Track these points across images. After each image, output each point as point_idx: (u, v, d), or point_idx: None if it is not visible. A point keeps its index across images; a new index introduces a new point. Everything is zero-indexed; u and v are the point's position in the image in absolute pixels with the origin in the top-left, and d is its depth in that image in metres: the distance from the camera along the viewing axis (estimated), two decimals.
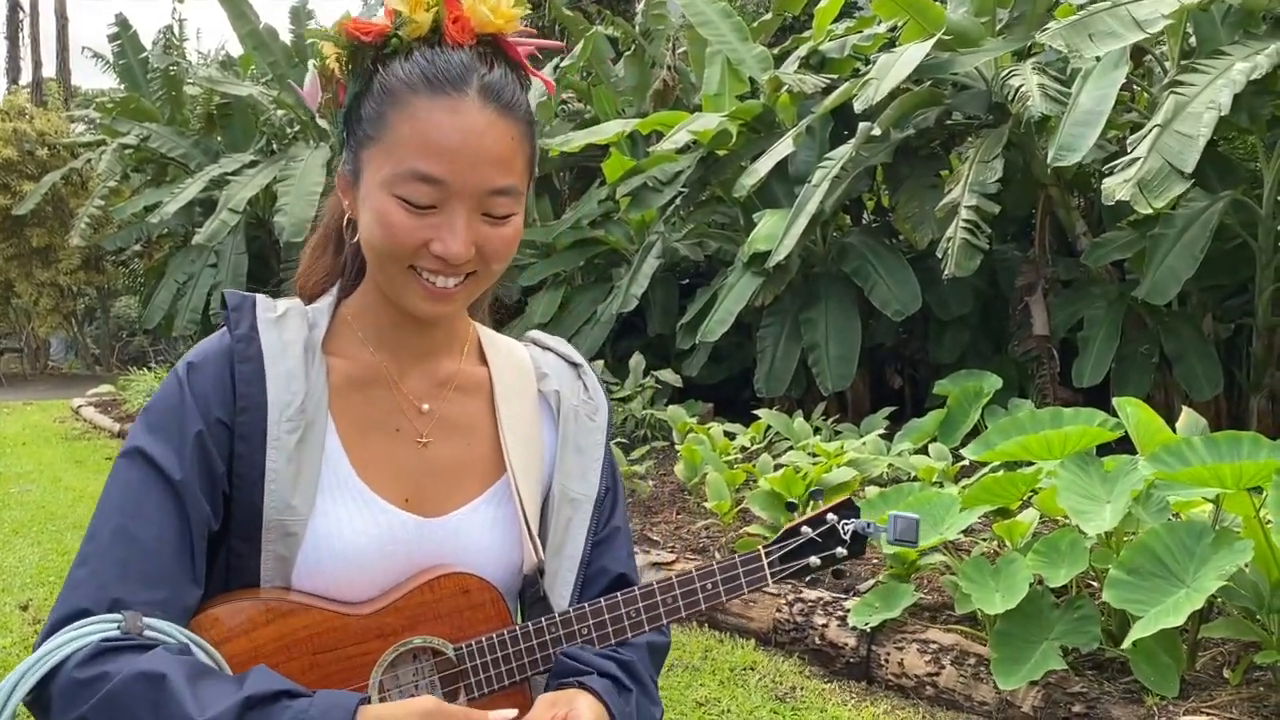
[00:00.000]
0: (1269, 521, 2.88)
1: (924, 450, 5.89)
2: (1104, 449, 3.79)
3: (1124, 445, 3.87)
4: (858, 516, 1.24)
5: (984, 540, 4.20)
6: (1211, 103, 5.09)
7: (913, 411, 8.38)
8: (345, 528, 1.12)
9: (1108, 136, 6.53)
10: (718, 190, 8.81)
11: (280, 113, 14.44)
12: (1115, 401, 3.53)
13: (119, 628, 0.99)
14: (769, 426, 6.41)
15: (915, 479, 5.23)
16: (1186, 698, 3.02)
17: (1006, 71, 6.35)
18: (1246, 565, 2.96)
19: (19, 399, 14.64)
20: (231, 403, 1.11)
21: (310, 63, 1.15)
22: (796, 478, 4.49)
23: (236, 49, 17.12)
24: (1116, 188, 5.08)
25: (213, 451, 1.09)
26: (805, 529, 1.23)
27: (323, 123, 1.25)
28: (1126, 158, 5.23)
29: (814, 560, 1.22)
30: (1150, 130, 5.21)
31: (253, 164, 13.73)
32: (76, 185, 16.63)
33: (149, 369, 12.62)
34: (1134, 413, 3.40)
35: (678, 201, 8.87)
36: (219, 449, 1.10)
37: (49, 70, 26.61)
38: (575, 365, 1.34)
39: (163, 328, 14.99)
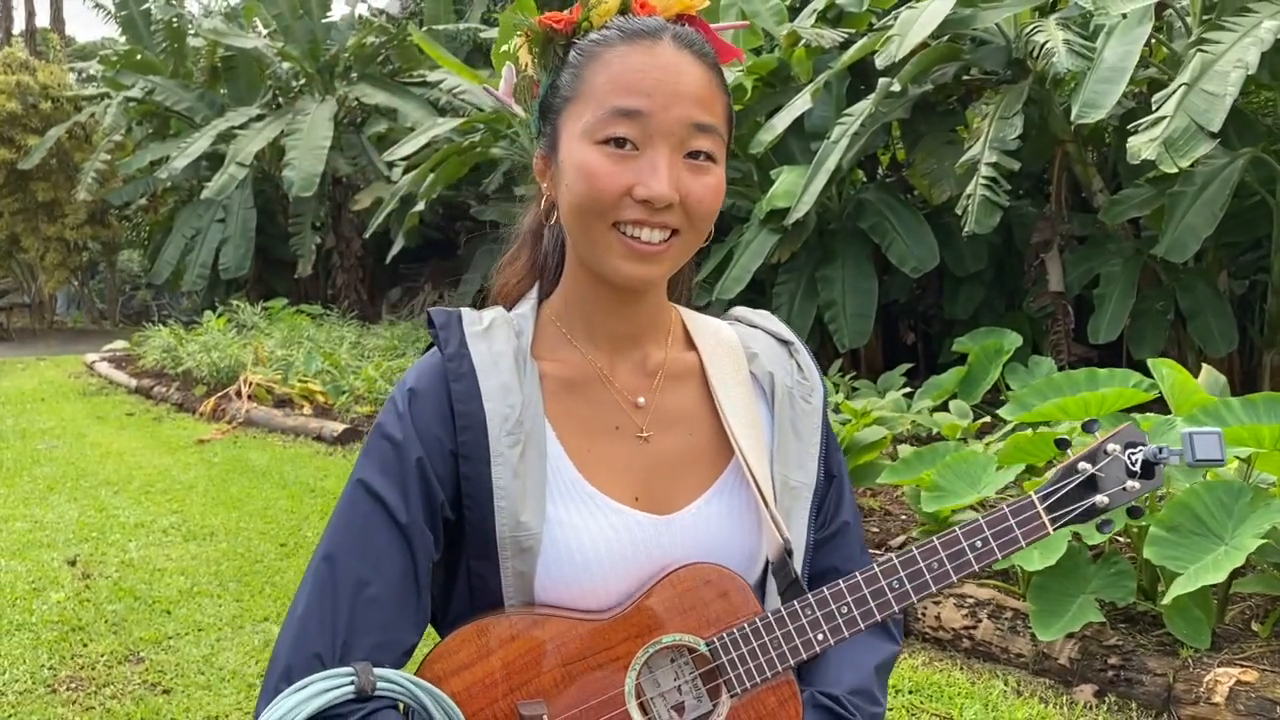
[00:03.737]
0: None
1: (943, 407, 5.97)
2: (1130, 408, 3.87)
3: (1153, 405, 3.95)
4: (1145, 443, 1.11)
5: (1012, 496, 4.29)
6: (1239, 61, 5.09)
7: (926, 368, 8.46)
8: (582, 534, 1.08)
9: (1125, 92, 6.53)
10: (732, 145, 8.79)
11: (285, 65, 14.34)
12: (1150, 363, 3.60)
13: (353, 684, 0.99)
14: None
15: (938, 436, 5.32)
16: (1218, 650, 3.13)
17: (1031, 27, 6.33)
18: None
19: (31, 354, 14.70)
20: (451, 424, 1.08)
21: (506, 65, 1.17)
22: None
23: None
24: (1142, 146, 5.09)
25: (433, 479, 1.07)
26: (1083, 465, 1.10)
27: (518, 109, 1.18)
28: (1152, 116, 5.23)
29: (1100, 499, 1.09)
30: (1177, 89, 5.21)
31: (259, 117, 13.70)
32: (80, 139, 16.55)
33: (162, 325, 12.65)
34: (1169, 374, 3.48)
35: None
36: (443, 474, 1.08)
37: (42, 20, 26.27)
38: (786, 343, 1.26)
39: (170, 282, 15.03)
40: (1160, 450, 1.09)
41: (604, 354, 1.17)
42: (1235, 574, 3.27)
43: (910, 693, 3.25)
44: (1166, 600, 2.98)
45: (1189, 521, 2.98)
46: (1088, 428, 1.14)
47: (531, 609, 1.09)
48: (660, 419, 1.17)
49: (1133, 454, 1.10)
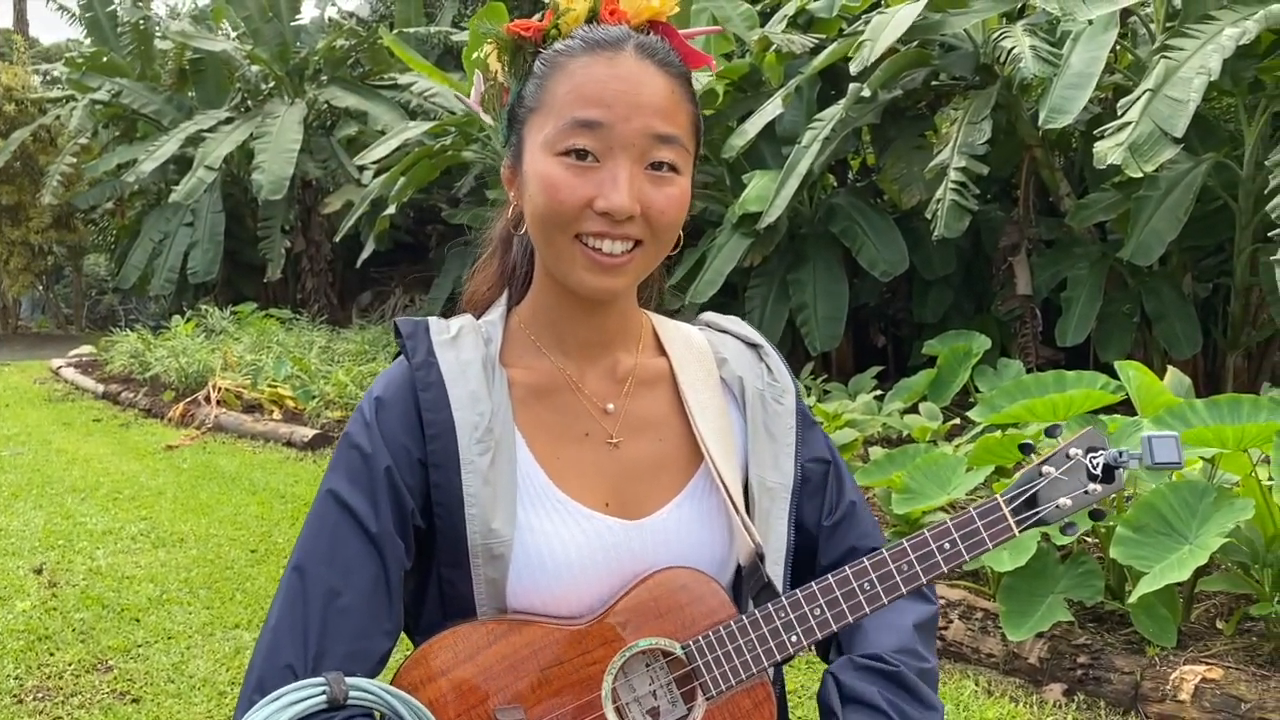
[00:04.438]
0: (1270, 480, 3.02)
1: (913, 409, 6.02)
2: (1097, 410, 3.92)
3: (1119, 407, 4.00)
4: (1105, 447, 1.13)
5: (981, 497, 4.33)
6: (1201, 68, 5.17)
7: (896, 370, 8.53)
8: (553, 540, 1.09)
9: (1091, 97, 6.62)
10: (704, 150, 8.82)
11: (254, 68, 14.24)
12: (1117, 365, 3.65)
13: (325, 694, 0.99)
14: None
15: (909, 438, 5.36)
16: (1184, 648, 3.18)
17: (998, 33, 6.41)
18: (1243, 522, 3.10)
19: None
20: (419, 433, 1.09)
21: (477, 72, 1.16)
22: None
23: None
24: (1108, 151, 5.17)
25: (402, 487, 1.08)
26: (1047, 469, 1.12)
27: (487, 117, 1.18)
28: (1117, 121, 5.31)
29: (1064, 501, 1.11)
30: (1141, 95, 5.29)
31: (228, 120, 13.59)
32: (45, 142, 16.36)
33: (129, 329, 12.51)
34: (1135, 376, 3.53)
35: None
36: (412, 483, 1.09)
37: (5, 21, 25.90)
38: (755, 346, 1.27)
39: (137, 287, 14.87)
40: (1120, 454, 1.11)
41: (573, 361, 1.18)
42: (1200, 573, 3.32)
43: None
44: (1133, 599, 3.02)
45: (1154, 521, 3.03)
46: (1051, 432, 1.16)
47: (507, 615, 1.09)
48: (630, 425, 1.18)
49: (1094, 458, 1.12)
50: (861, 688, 1.12)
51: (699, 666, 1.09)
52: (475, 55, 1.16)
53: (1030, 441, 1.17)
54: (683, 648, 1.09)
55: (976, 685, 3.27)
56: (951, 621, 3.50)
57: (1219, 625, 3.37)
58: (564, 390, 1.17)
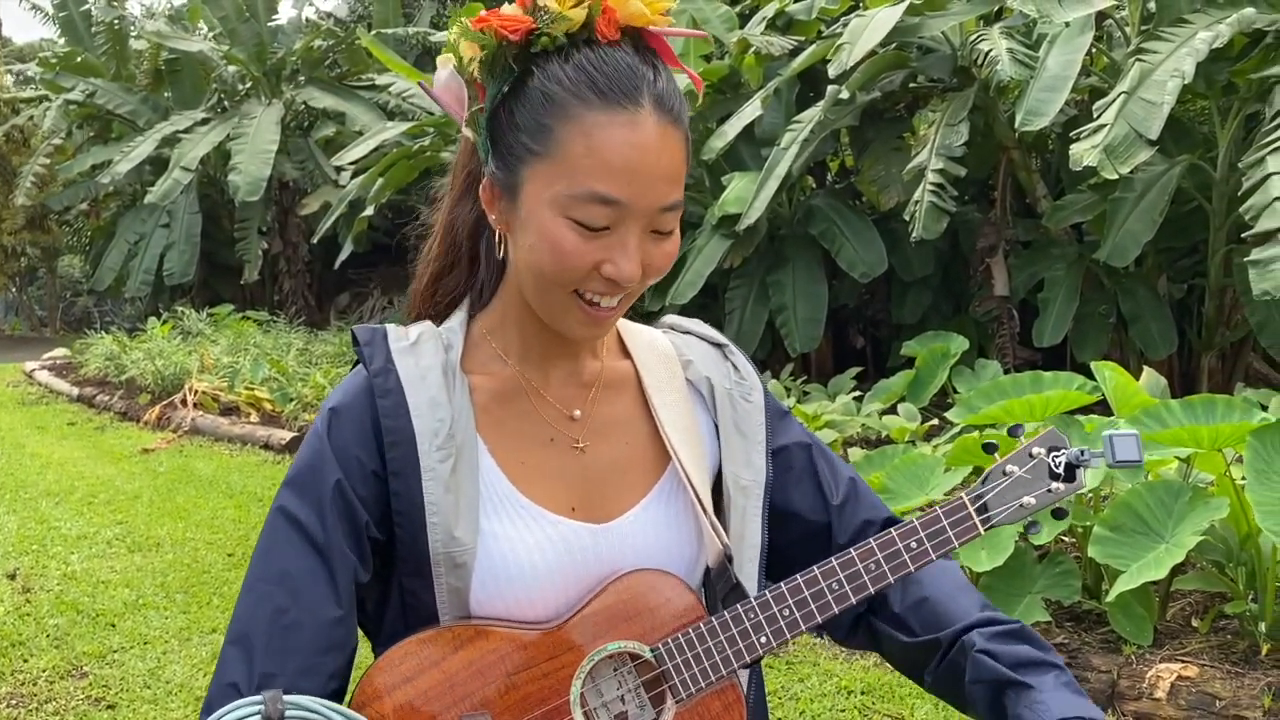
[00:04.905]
0: (1242, 479, 3.05)
1: (892, 410, 6.05)
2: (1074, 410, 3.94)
3: (1095, 407, 4.03)
4: (1066, 446, 1.14)
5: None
6: (1175, 71, 5.23)
7: (875, 371, 8.56)
8: (518, 546, 1.08)
9: (1067, 100, 6.67)
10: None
11: (231, 69, 14.15)
12: (1093, 366, 3.68)
13: (260, 713, 0.96)
14: None
15: (888, 439, 5.39)
16: (1160, 647, 3.20)
17: (975, 35, 6.45)
18: (1217, 521, 3.13)
19: None
20: (376, 442, 1.07)
21: (443, 61, 1.06)
22: None
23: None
24: (1084, 153, 5.22)
25: (354, 500, 1.06)
26: (1011, 468, 1.13)
27: (468, 131, 1.10)
28: (1093, 124, 5.36)
29: (1027, 500, 1.11)
30: (1117, 97, 5.34)
31: (204, 121, 13.50)
32: (18, 142, 16.22)
33: (105, 331, 12.39)
34: (1111, 376, 3.55)
35: None
36: (365, 495, 1.07)
37: None
38: (719, 346, 1.26)
39: (113, 289, 14.75)
40: (1082, 453, 1.12)
41: (537, 368, 1.16)
42: (1176, 571, 3.34)
43: (862, 694, 3.28)
44: (1110, 598, 3.05)
45: (1131, 520, 3.05)
46: (1013, 432, 1.17)
47: (472, 621, 1.08)
48: (596, 429, 1.16)
49: (1056, 457, 1.13)
50: (1019, 651, 1.10)
51: (668, 669, 1.08)
52: (450, 35, 1.05)
53: (994, 441, 1.18)
54: (652, 650, 1.08)
55: None
56: None
57: (1194, 623, 3.40)
58: (527, 396, 1.15)
